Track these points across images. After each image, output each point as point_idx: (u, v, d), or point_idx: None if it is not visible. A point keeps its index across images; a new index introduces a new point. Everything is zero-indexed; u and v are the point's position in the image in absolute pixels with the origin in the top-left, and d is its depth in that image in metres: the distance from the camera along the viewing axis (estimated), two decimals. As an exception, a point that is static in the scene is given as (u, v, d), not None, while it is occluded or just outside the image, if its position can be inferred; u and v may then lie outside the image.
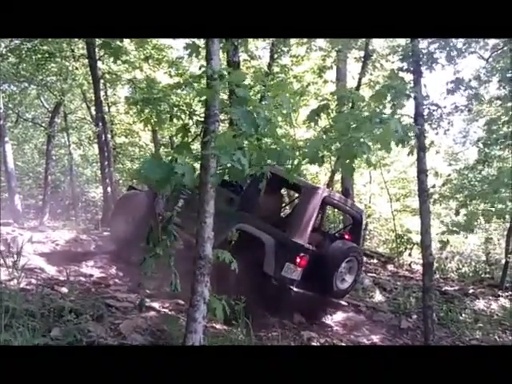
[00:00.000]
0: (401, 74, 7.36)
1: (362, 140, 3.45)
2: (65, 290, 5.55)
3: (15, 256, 5.93)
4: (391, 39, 11.61)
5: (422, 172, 6.64)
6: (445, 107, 8.13)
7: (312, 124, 5.51)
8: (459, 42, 8.53)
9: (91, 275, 6.68)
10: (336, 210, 11.95)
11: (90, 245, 7.79)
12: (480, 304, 8.68)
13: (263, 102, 3.67)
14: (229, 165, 3.34)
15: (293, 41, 12.33)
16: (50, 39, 12.33)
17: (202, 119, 3.90)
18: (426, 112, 7.11)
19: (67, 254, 7.24)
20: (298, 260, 6.05)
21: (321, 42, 12.43)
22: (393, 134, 3.48)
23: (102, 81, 13.33)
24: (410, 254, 13.45)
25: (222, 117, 4.13)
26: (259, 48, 13.91)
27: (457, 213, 11.47)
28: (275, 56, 13.52)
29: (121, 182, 19.08)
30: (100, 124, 11.97)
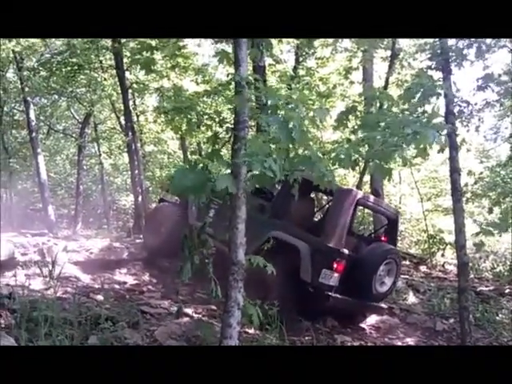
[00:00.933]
0: (429, 72, 7.28)
1: (396, 143, 3.40)
2: (100, 297, 5.65)
3: (51, 265, 6.10)
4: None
5: (454, 171, 6.52)
6: (475, 104, 7.98)
7: (341, 127, 5.52)
8: (488, 37, 8.36)
9: (125, 282, 6.79)
10: (366, 211, 11.85)
11: (122, 252, 7.90)
12: (517, 304, 8.46)
13: (296, 110, 3.65)
14: (257, 172, 3.36)
15: (317, 43, 12.27)
16: (79, 51, 12.63)
17: (232, 126, 3.92)
18: (456, 109, 6.98)
19: (101, 262, 7.36)
20: (335, 265, 5.92)
21: (346, 43, 12.35)
22: (430, 143, 3.43)
23: (130, 90, 13.52)
24: (442, 255, 13.19)
25: (250, 123, 4.15)
26: (284, 51, 13.91)
27: (490, 211, 11.23)
28: (300, 59, 13.50)
29: (151, 189, 19.31)
30: (130, 133, 12.13)
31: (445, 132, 4.03)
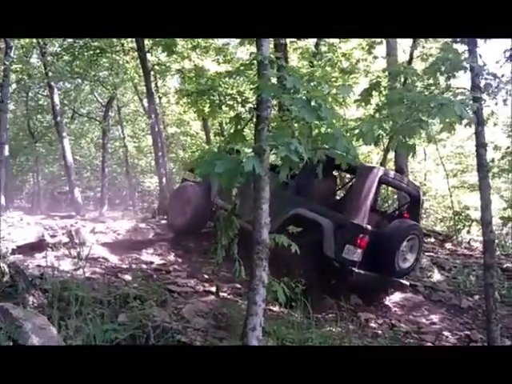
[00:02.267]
0: (454, 45, 7.11)
1: (422, 118, 3.36)
2: (128, 277, 5.78)
3: (79, 247, 6.26)
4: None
5: (480, 146, 6.38)
6: (502, 75, 7.78)
7: (363, 103, 5.47)
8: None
9: (152, 262, 6.91)
10: (391, 188, 11.75)
11: (149, 233, 8.03)
12: (543, 280, 8.32)
13: (319, 88, 3.62)
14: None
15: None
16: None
17: (254, 106, 3.91)
18: (482, 83, 6.82)
19: (128, 243, 7.50)
20: (358, 241, 5.99)
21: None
22: (456, 117, 3.37)
23: (152, 72, 13.54)
24: (468, 232, 13.02)
25: (273, 102, 4.13)
26: (305, 28, 13.70)
27: (517, 186, 11.04)
28: (322, 35, 13.29)
29: (174, 171, 19.48)
30: (152, 115, 12.18)
31: (471, 106, 3.94)
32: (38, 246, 6.59)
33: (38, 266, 5.60)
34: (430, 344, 5.70)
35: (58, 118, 15.37)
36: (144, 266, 6.60)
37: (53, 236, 7.21)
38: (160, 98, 17.54)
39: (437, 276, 8.28)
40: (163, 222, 9.08)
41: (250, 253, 3.77)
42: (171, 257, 7.38)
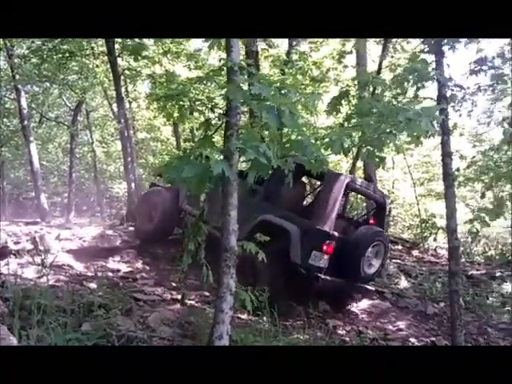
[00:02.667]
0: (422, 55, 7.25)
1: (388, 131, 3.39)
2: (93, 285, 5.66)
3: (43, 254, 6.10)
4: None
5: (446, 155, 6.52)
6: (468, 88, 7.97)
7: (333, 112, 5.51)
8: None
9: (118, 270, 6.80)
10: (359, 196, 11.88)
11: (116, 240, 7.89)
12: (508, 287, 8.52)
13: (288, 95, 3.62)
14: (251, 158, 3.34)
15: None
16: (70, 38, 12.47)
17: (224, 112, 3.89)
18: (448, 94, 6.97)
19: (94, 250, 7.36)
20: (325, 247, 6.03)
21: (339, 27, 12.25)
22: (423, 131, 3.42)
23: (122, 77, 13.39)
24: (435, 239, 13.27)
25: (242, 108, 4.11)
26: (277, 36, 13.80)
27: (482, 195, 11.29)
28: (293, 43, 13.39)
29: (144, 177, 19.26)
30: (122, 120, 12.03)
31: (437, 118, 4.00)
32: (1, 253, 6.38)
33: (0, 273, 5.43)
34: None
35: (25, 122, 14.99)
36: (110, 274, 6.48)
37: (16, 243, 7.02)
38: (130, 102, 17.35)
39: (404, 283, 8.40)
40: (131, 228, 8.94)
41: (217, 259, 3.74)
42: (138, 264, 7.27)
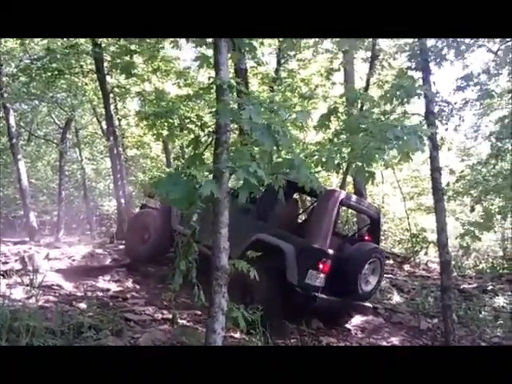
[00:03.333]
0: (409, 72, 7.34)
1: (378, 146, 3.41)
2: (83, 305, 5.59)
3: (32, 274, 6.01)
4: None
5: (435, 170, 6.59)
6: (455, 103, 8.07)
7: (322, 128, 5.54)
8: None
9: (108, 289, 6.72)
10: (350, 211, 11.90)
11: (105, 259, 7.82)
12: (500, 301, 8.52)
13: (279, 113, 3.63)
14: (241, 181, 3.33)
15: (299, 44, 12.29)
16: (58, 56, 12.48)
17: (213, 130, 3.89)
18: (436, 109, 7.05)
19: (84, 269, 7.28)
20: (321, 266, 5.93)
21: (327, 44, 12.40)
22: (412, 149, 3.45)
23: (111, 95, 13.40)
24: (426, 253, 13.28)
25: (232, 125, 4.12)
26: (265, 54, 13.92)
27: (472, 209, 11.36)
28: (282, 61, 13.52)
29: (134, 194, 19.17)
30: (111, 138, 12.02)
31: (425, 132, 4.03)
32: (-12, 273, 6.30)
33: (-13, 295, 5.34)
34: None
35: (14, 140, 14.90)
36: (100, 294, 6.40)
37: (5, 263, 6.93)
38: (120, 120, 17.34)
39: (396, 298, 8.38)
40: (121, 247, 8.88)
41: (209, 278, 3.70)
42: (129, 283, 7.19)
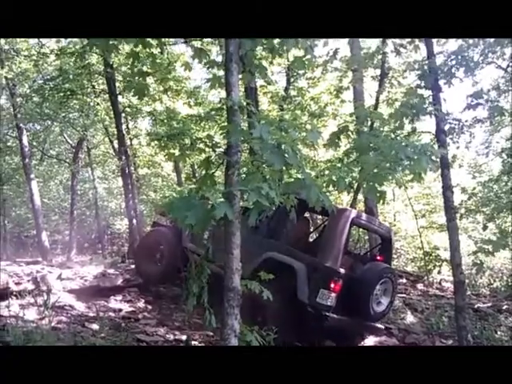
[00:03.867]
0: (419, 90, 7.34)
1: (389, 167, 3.41)
2: (95, 326, 5.58)
3: (45, 294, 6.03)
4: (407, 55, 11.58)
5: (447, 189, 6.54)
6: (466, 120, 8.04)
7: (332, 147, 5.55)
8: (476, 54, 8.48)
9: (120, 310, 6.71)
10: (362, 230, 11.82)
11: (117, 279, 7.82)
12: (515, 320, 8.39)
13: (289, 131, 3.65)
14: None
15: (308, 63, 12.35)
16: (71, 77, 12.70)
17: (224, 151, 3.91)
18: (446, 127, 7.02)
19: (96, 290, 7.27)
20: (332, 285, 5.87)
21: (336, 63, 12.46)
22: (423, 169, 3.45)
23: (123, 114, 13.56)
24: (439, 272, 13.11)
25: (242, 145, 4.13)
26: (275, 72, 14.03)
27: (484, 227, 11.22)
28: (291, 79, 13.63)
29: (145, 213, 19.24)
30: (123, 157, 12.13)
31: (436, 153, 4.02)
32: (2, 294, 6.31)
33: (0, 316, 5.35)
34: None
35: (27, 160, 15.15)
36: (112, 314, 6.39)
37: (18, 283, 6.94)
38: (131, 139, 17.51)
39: (410, 318, 8.26)
40: (133, 266, 8.88)
41: (221, 298, 3.68)
42: (140, 303, 7.18)
